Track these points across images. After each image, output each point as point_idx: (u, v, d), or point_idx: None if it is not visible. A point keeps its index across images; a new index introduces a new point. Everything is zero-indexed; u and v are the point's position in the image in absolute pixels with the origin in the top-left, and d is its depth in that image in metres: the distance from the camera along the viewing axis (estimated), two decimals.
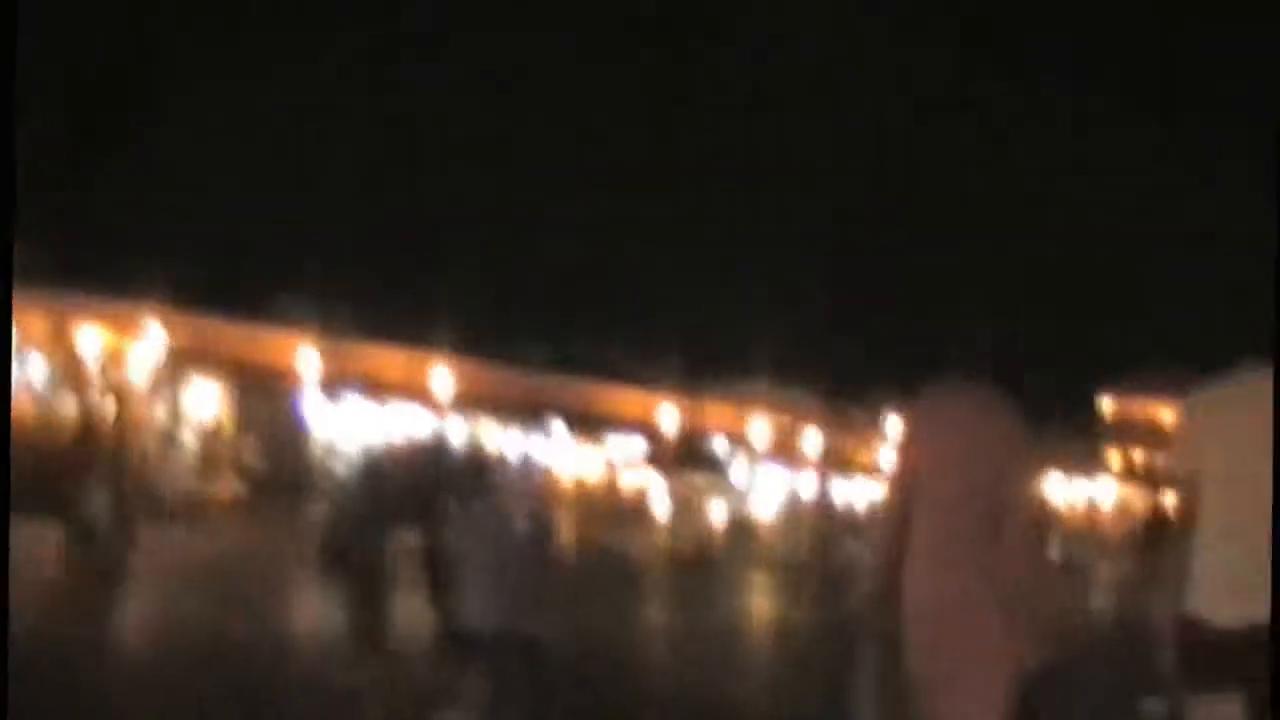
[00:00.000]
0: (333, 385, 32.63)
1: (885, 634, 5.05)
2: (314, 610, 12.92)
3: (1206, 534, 4.68)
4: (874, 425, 41.20)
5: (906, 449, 5.26)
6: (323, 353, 31.88)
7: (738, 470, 42.67)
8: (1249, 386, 4.73)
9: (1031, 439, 5.22)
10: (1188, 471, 4.85)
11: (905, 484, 5.17)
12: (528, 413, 35.68)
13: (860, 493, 41.66)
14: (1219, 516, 4.67)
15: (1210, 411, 4.84)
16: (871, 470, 41.42)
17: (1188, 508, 4.79)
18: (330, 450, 30.56)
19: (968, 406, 5.16)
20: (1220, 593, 4.60)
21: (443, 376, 33.70)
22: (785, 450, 43.41)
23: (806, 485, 43.50)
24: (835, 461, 43.91)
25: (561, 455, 35.94)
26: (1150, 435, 52.67)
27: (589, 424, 38.77)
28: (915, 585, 4.95)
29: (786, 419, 43.61)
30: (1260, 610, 4.39)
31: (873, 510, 41.70)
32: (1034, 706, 4.85)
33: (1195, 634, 4.63)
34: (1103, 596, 24.99)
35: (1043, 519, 6.34)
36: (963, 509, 4.95)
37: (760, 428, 43.03)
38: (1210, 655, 4.59)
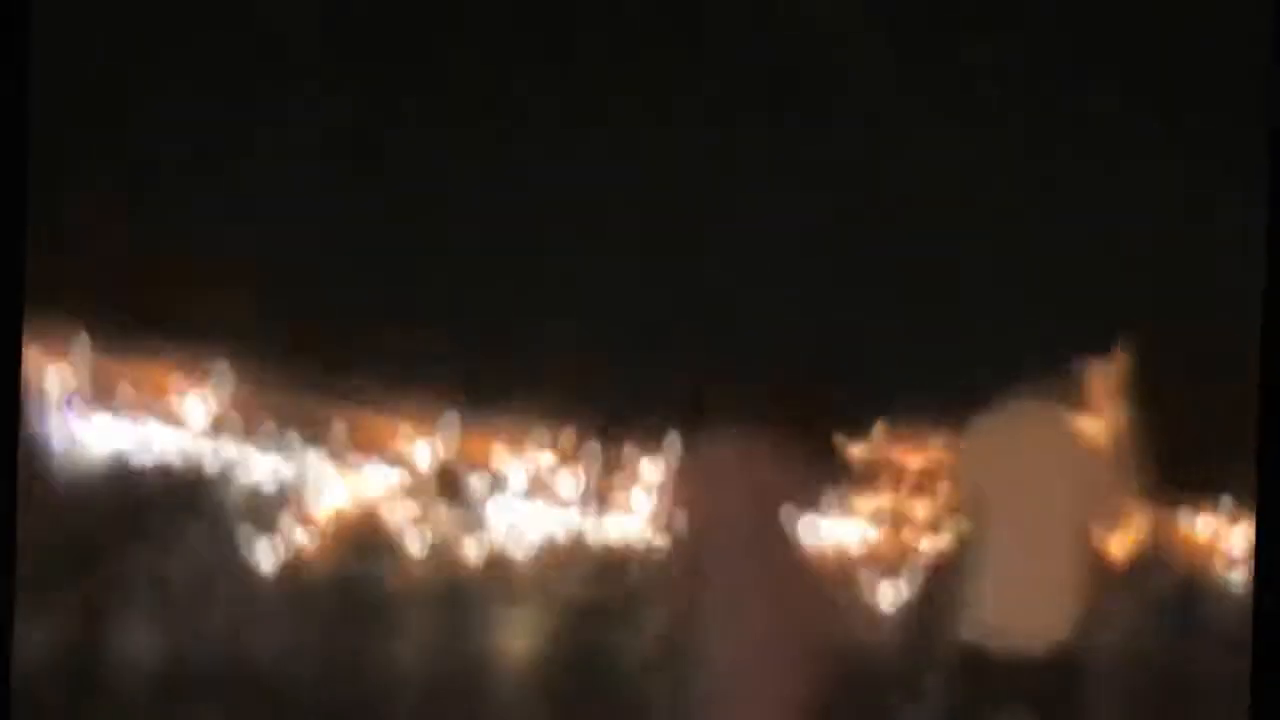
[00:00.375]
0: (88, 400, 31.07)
1: (674, 684, 5.16)
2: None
3: (988, 560, 4.93)
4: (640, 465, 40.97)
5: (682, 498, 5.40)
6: (80, 368, 30.33)
7: (498, 504, 42.02)
8: (1027, 414, 5.06)
9: (808, 478, 5.44)
10: (967, 498, 5.12)
11: (683, 531, 5.39)
12: (280, 435, 34.46)
13: (624, 532, 41.38)
14: (1001, 542, 4.92)
15: (990, 438, 5.10)
16: (635, 510, 41.27)
17: (969, 535, 5.05)
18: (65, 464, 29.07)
19: (738, 455, 5.26)
20: (1004, 618, 4.80)
21: (197, 394, 32.31)
22: (547, 486, 42.97)
23: (569, 522, 43.11)
24: (599, 499, 43.73)
25: (314, 481, 34.74)
26: (899, 476, 53.97)
27: (346, 450, 37.67)
28: (704, 635, 5.12)
29: (551, 454, 43.17)
30: (1044, 634, 4.69)
31: (641, 552, 42.02)
32: None
33: (980, 660, 4.85)
34: (888, 627, 24.93)
35: (822, 556, 6.78)
36: (745, 556, 5.09)
37: (523, 462, 42.48)
38: (996, 680, 4.77)
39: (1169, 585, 28.19)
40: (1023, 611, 4.81)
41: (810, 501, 5.33)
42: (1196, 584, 22.81)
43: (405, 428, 43.35)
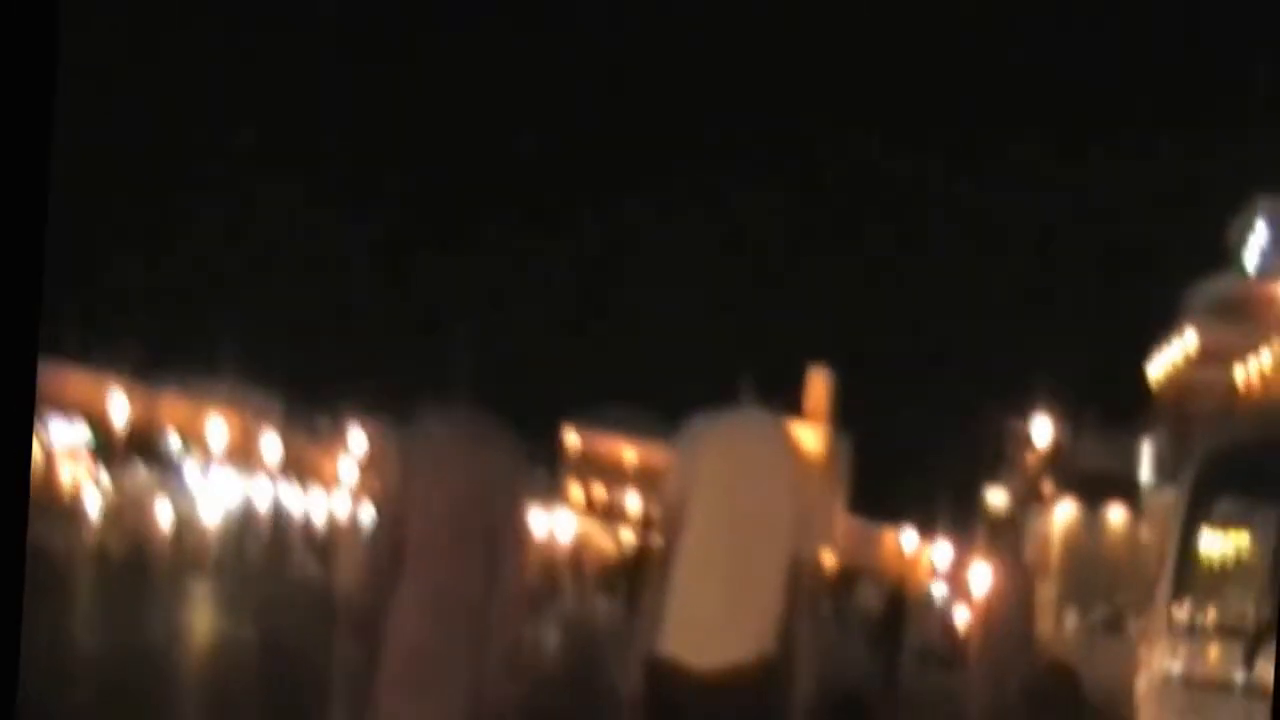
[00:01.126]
0: None
1: (357, 674, 4.67)
2: None
3: (686, 572, 4.59)
4: (341, 437, 40.30)
5: (393, 478, 4.85)
6: None
7: (189, 469, 40.67)
8: (737, 423, 4.74)
9: (524, 470, 4.96)
10: (670, 506, 4.74)
11: (393, 516, 4.77)
12: None
13: (320, 506, 40.48)
14: (700, 554, 4.58)
15: (697, 446, 4.74)
16: (332, 483, 40.43)
17: (668, 545, 4.68)
18: None
19: (460, 436, 4.78)
20: (697, 633, 4.50)
21: None
22: (242, 453, 41.77)
23: (261, 491, 41.98)
24: (295, 470, 42.63)
25: None
26: (613, 471, 54.17)
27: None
28: (400, 631, 4.59)
29: (246, 421, 41.97)
30: (737, 651, 4.38)
31: (335, 526, 41.07)
32: None
33: (672, 677, 4.51)
34: (582, 637, 24.62)
35: (531, 552, 5.79)
36: (456, 549, 4.62)
37: (217, 427, 41.24)
38: (688, 698, 4.50)
39: (873, 598, 28.70)
40: (721, 624, 4.56)
41: (522, 490, 4.94)
42: (899, 597, 23.22)
43: (96, 387, 41.33)
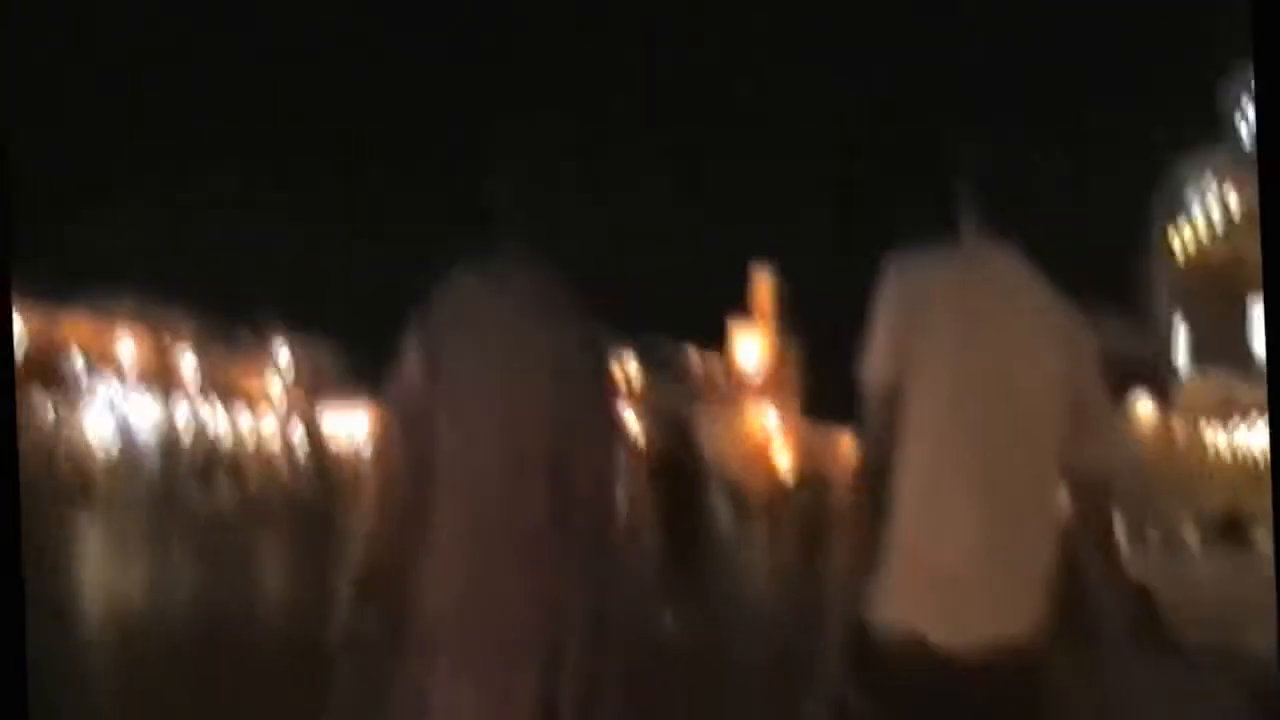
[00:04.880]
0: None
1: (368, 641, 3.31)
2: None
3: (912, 501, 3.18)
4: (265, 349, 38.17)
5: (413, 368, 3.30)
6: None
7: (99, 388, 38.44)
8: (967, 261, 3.23)
9: (603, 348, 3.42)
10: (876, 396, 3.19)
11: (416, 429, 3.30)
12: None
13: (245, 423, 38.29)
14: (932, 473, 3.14)
15: (915, 298, 3.21)
16: (260, 399, 38.78)
17: (878, 459, 3.22)
18: None
19: (514, 304, 3.28)
20: (938, 594, 3.09)
21: None
22: (155, 371, 39.42)
23: (179, 409, 39.59)
24: (215, 386, 40.02)
25: None
26: None
27: None
28: (436, 588, 3.28)
29: (157, 337, 39.69)
30: (1005, 619, 3.11)
31: (261, 443, 39.01)
32: None
33: (895, 660, 3.09)
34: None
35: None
36: (509, 466, 3.26)
37: (126, 346, 38.88)
38: (926, 689, 3.07)
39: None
40: (978, 576, 3.05)
41: (612, 379, 3.47)
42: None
43: None
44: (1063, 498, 3.31)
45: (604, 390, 3.40)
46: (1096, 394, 3.22)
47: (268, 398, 39.57)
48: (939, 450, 3.18)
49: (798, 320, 73.95)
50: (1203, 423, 26.65)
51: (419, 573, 3.39)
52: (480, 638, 3.36)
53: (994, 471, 3.13)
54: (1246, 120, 33.72)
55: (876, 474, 3.20)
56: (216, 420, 39.23)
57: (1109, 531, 3.21)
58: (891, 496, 3.15)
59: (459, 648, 3.36)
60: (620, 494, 3.42)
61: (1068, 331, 3.19)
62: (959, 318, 3.18)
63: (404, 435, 3.35)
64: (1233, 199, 27.40)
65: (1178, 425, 27.81)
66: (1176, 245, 29.87)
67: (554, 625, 3.36)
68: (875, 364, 3.22)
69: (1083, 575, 3.28)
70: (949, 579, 3.16)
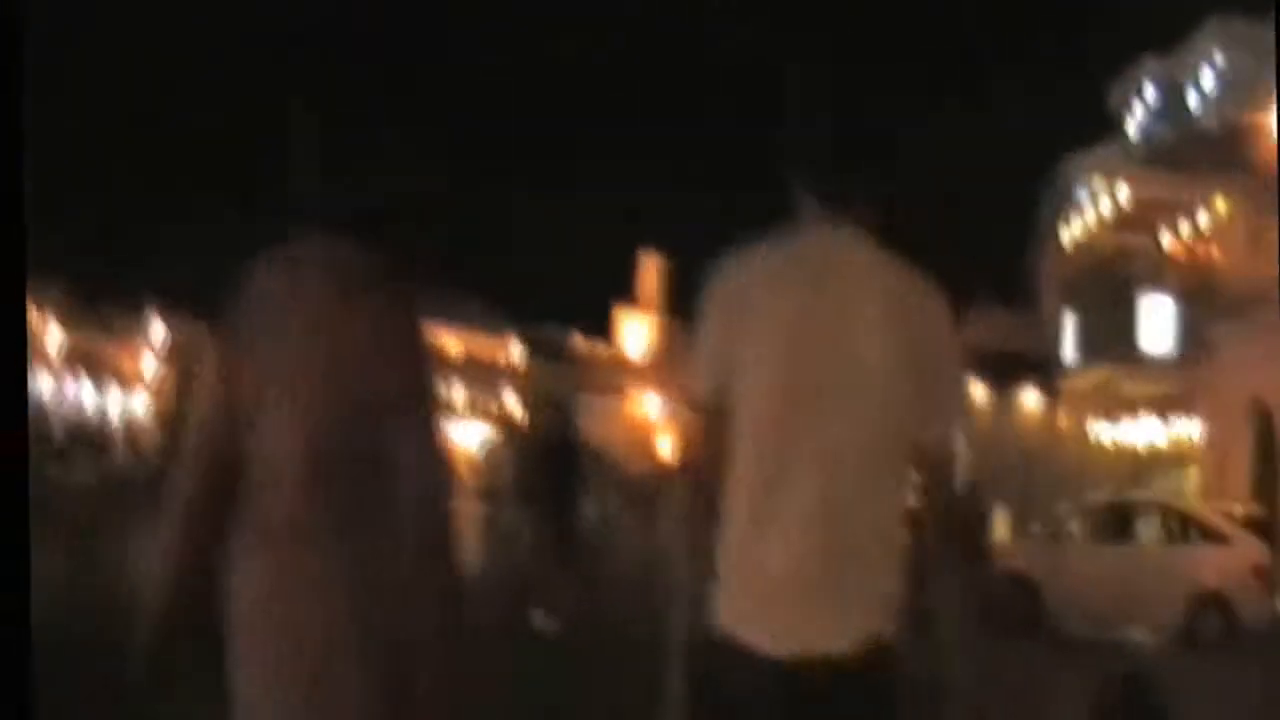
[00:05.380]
0: None
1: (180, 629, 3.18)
2: None
3: (743, 502, 3.17)
4: (137, 326, 37.13)
5: (224, 348, 3.21)
6: None
7: None
8: (804, 250, 3.21)
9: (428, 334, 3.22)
10: (705, 393, 3.20)
11: (225, 414, 3.17)
12: None
13: (114, 403, 37.21)
14: (763, 469, 3.13)
15: (744, 292, 3.20)
16: (132, 379, 37.83)
17: (708, 457, 3.20)
18: None
19: (321, 276, 3.15)
20: (768, 604, 3.10)
21: None
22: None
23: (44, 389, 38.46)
24: (81, 364, 38.99)
25: None
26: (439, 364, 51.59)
27: None
28: (246, 576, 3.13)
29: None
30: (840, 632, 3.07)
31: (135, 424, 37.97)
32: None
33: (730, 666, 3.11)
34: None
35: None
36: (333, 467, 3.10)
37: None
38: (756, 694, 3.09)
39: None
40: (810, 586, 3.06)
41: (431, 363, 3.29)
42: None
43: None
44: (913, 479, 3.16)
45: (417, 371, 3.13)
46: (945, 368, 3.12)
47: (138, 375, 38.53)
48: (769, 456, 3.08)
49: (686, 306, 73.81)
50: (1089, 416, 26.76)
51: (227, 571, 3.19)
52: (281, 641, 3.15)
53: (833, 466, 3.03)
54: (1135, 117, 33.72)
55: (707, 484, 3.12)
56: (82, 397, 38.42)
57: (952, 510, 3.07)
58: (722, 506, 3.08)
59: (267, 654, 3.16)
60: (440, 489, 3.15)
61: (912, 308, 3.09)
62: (784, 315, 3.08)
63: (205, 436, 3.18)
64: (1123, 193, 27.44)
65: (1063, 418, 27.84)
66: (1066, 239, 29.95)
67: (335, 638, 3.13)
68: (699, 376, 3.16)
69: (932, 559, 3.14)
70: (775, 589, 3.05)
